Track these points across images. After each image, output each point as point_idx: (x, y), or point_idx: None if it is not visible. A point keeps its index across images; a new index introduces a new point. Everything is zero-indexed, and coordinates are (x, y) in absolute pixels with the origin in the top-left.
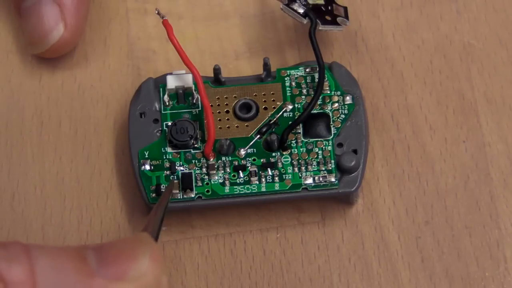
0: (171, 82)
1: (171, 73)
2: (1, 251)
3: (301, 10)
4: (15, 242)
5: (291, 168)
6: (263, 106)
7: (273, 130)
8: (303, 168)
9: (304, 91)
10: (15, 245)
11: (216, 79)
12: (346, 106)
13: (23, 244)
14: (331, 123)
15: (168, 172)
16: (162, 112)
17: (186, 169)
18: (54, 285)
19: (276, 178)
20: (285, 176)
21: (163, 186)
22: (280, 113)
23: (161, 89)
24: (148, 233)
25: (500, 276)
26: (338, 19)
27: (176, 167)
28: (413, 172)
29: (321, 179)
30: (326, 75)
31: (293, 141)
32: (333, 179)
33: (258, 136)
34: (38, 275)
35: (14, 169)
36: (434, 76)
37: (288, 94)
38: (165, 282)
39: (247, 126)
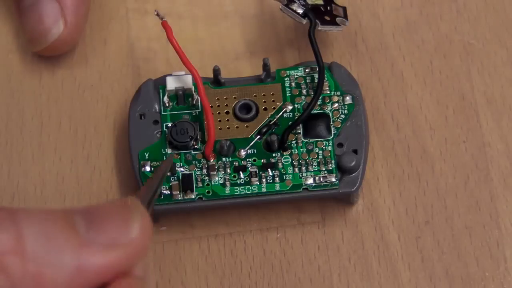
0: (171, 83)
1: (170, 74)
2: None
3: (300, 11)
4: (0, 207)
5: (291, 168)
6: (263, 107)
7: (273, 130)
8: (303, 168)
9: (304, 91)
10: (0, 212)
11: (216, 80)
12: (346, 106)
13: (7, 209)
14: (331, 123)
15: (169, 173)
16: (162, 113)
17: (186, 170)
18: (43, 253)
19: (277, 178)
20: (286, 177)
21: (164, 187)
22: (280, 113)
23: (160, 90)
24: (141, 199)
25: (500, 276)
26: (338, 19)
27: (177, 168)
28: (413, 172)
29: (321, 179)
30: (325, 75)
31: (293, 142)
32: (333, 179)
33: (258, 136)
34: (27, 242)
35: (14, 169)
36: (434, 76)
37: (288, 94)
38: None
39: (247, 126)
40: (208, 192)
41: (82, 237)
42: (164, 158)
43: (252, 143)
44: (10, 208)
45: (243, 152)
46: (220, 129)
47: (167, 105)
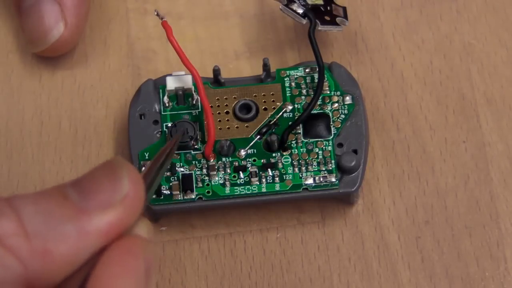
0: (171, 83)
1: (170, 74)
2: None
3: (300, 11)
4: None
5: (291, 168)
6: (263, 107)
7: (273, 130)
8: (303, 168)
9: (304, 91)
10: None
11: (216, 80)
12: (346, 106)
13: (3, 198)
14: (331, 123)
15: (168, 173)
16: (162, 113)
17: (186, 170)
18: (45, 229)
19: (277, 178)
20: (286, 177)
21: (164, 187)
22: (280, 113)
23: (160, 90)
24: (144, 174)
25: (500, 276)
26: (337, 19)
27: (177, 168)
28: (413, 172)
29: (321, 179)
30: (325, 75)
31: (293, 142)
32: (333, 179)
33: (258, 136)
34: (27, 223)
35: (14, 169)
36: (434, 76)
37: (288, 94)
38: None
39: (247, 126)
40: (208, 192)
41: (78, 206)
42: None
43: (252, 143)
44: (5, 196)
45: (243, 152)
46: (220, 129)
47: (167, 105)
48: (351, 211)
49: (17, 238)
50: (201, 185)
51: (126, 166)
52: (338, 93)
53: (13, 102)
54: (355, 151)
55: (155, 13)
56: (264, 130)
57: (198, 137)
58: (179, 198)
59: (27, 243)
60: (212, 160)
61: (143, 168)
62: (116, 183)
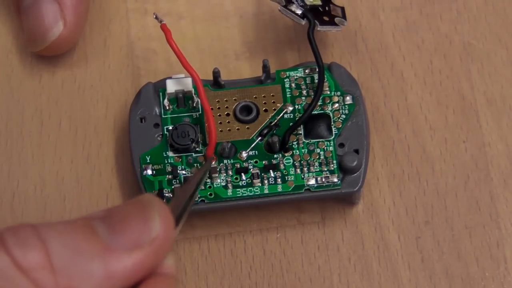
0: (171, 86)
1: (170, 77)
2: (13, 238)
3: (298, 11)
4: (24, 225)
5: (293, 169)
6: (264, 108)
7: (274, 132)
8: (305, 169)
9: (304, 92)
10: (25, 229)
11: (216, 82)
12: (346, 106)
13: (31, 226)
14: (332, 123)
15: (170, 176)
16: (163, 116)
17: (188, 173)
18: (71, 265)
19: (279, 179)
20: (288, 178)
21: (166, 190)
22: (281, 114)
23: (160, 93)
24: (170, 209)
25: (500, 276)
26: (336, 20)
27: (178, 171)
28: (413, 172)
29: (323, 179)
30: (325, 76)
31: (295, 142)
32: (335, 180)
33: (259, 138)
34: (54, 257)
35: (14, 169)
36: (434, 76)
37: (288, 95)
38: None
39: (248, 128)
40: (210, 194)
41: (105, 242)
42: (166, 161)
43: (254, 144)
44: (33, 224)
45: (244, 154)
46: (221, 131)
47: (167, 108)
48: (351, 211)
49: (43, 272)
50: (203, 188)
51: (158, 206)
52: (338, 93)
53: (13, 102)
54: (356, 151)
55: (154, 16)
56: (265, 131)
57: (199, 140)
58: None
59: (53, 278)
60: (213, 162)
61: (171, 201)
62: (146, 223)
